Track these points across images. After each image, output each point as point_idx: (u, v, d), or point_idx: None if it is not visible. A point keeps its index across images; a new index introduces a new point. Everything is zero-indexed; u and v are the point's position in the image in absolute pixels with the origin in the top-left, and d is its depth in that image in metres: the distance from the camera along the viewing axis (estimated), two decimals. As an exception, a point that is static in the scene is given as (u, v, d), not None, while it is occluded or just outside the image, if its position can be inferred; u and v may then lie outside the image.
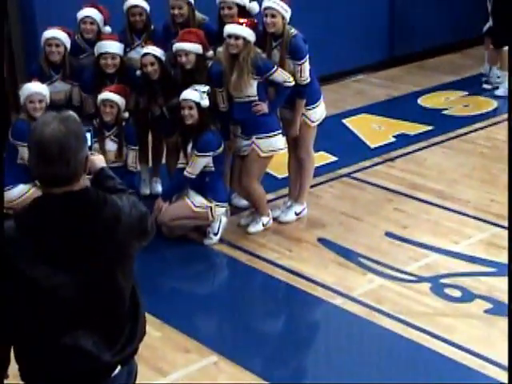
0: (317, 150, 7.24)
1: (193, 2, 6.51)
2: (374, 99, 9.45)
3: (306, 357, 5.14)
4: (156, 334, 5.02)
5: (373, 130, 8.48)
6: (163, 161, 7.03)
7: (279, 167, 6.93)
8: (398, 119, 8.73)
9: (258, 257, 6.07)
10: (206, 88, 5.96)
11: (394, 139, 8.21)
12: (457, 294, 5.44)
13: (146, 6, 6.64)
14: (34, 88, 6.06)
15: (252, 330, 5.30)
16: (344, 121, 8.70)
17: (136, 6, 6.61)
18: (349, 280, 5.68)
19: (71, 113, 2.77)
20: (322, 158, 7.65)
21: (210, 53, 6.21)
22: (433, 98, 9.40)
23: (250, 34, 5.92)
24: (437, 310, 5.30)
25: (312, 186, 6.87)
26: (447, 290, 5.48)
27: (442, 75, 10.08)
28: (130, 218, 2.78)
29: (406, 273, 5.73)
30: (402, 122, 8.64)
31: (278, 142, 6.18)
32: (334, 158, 7.73)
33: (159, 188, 7.06)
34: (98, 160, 3.06)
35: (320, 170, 7.29)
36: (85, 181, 2.77)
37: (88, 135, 2.90)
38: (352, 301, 5.42)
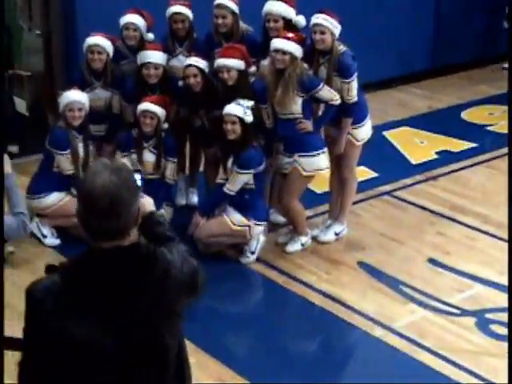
0: (357, 165, 7.07)
1: (238, 12, 6.33)
2: (416, 111, 9.24)
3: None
4: (191, 361, 4.85)
5: (415, 145, 8.27)
6: (200, 170, 6.89)
7: (319, 182, 6.74)
8: (440, 134, 8.51)
9: (295, 278, 5.91)
10: (251, 103, 5.79)
11: (436, 156, 8.00)
12: (503, 331, 5.22)
13: (189, 13, 6.47)
14: (74, 96, 5.93)
15: (284, 355, 5.12)
16: (385, 133, 8.49)
17: (179, 13, 6.44)
18: (389, 309, 5.50)
19: (123, 162, 2.61)
20: (363, 173, 7.45)
21: (253, 69, 6.03)
22: (476, 112, 9.17)
23: (297, 50, 5.73)
24: (481, 348, 5.10)
25: (352, 204, 6.68)
26: (493, 327, 5.27)
27: (487, 88, 9.83)
28: (180, 274, 2.62)
29: (449, 305, 5.54)
30: (444, 137, 8.42)
31: (321, 161, 6.00)
32: (374, 174, 7.54)
33: (195, 199, 6.92)
34: (148, 203, 2.90)
35: (361, 187, 7.07)
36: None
37: (137, 177, 2.74)
38: (393, 333, 5.23)
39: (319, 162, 5.98)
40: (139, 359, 2.56)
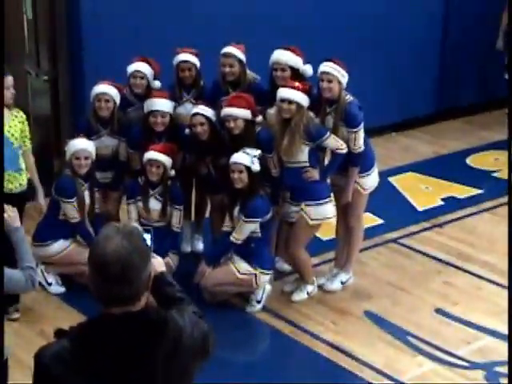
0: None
1: (244, 60, 6.35)
2: (421, 156, 9.24)
3: None
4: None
5: (420, 191, 8.26)
6: (206, 217, 6.88)
7: (325, 229, 6.69)
8: (446, 180, 8.50)
9: (301, 328, 5.86)
10: (258, 152, 5.79)
11: (442, 202, 7.98)
12: (513, 385, 5.16)
13: (196, 61, 6.50)
14: (80, 145, 5.94)
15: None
16: (390, 179, 8.48)
17: (186, 62, 6.47)
18: (398, 361, 5.44)
19: (134, 226, 2.59)
20: (368, 219, 7.41)
21: (259, 118, 6.03)
22: (482, 157, 9.17)
23: (303, 99, 5.74)
24: (491, 403, 5.05)
25: (358, 252, 6.66)
26: (503, 381, 5.20)
27: (491, 133, 9.83)
28: (191, 340, 2.59)
29: (457, 357, 5.48)
30: (450, 183, 8.41)
31: (328, 209, 5.98)
32: (380, 221, 7.52)
33: (200, 246, 6.89)
34: (158, 263, 2.87)
35: (366, 234, 7.04)
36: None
37: (147, 236, 2.71)
38: (400, 387, 5.18)
39: (326, 211, 5.97)
40: None
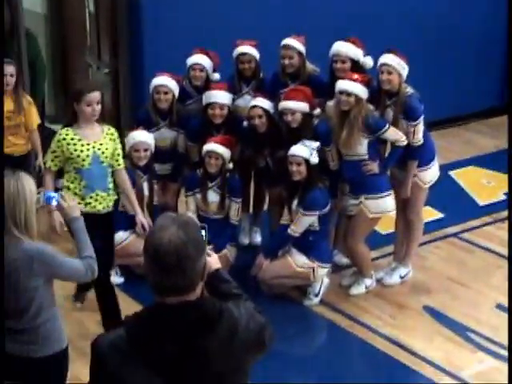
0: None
1: (304, 52, 6.32)
2: (483, 150, 9.08)
3: None
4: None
5: (482, 185, 8.13)
6: (264, 210, 6.87)
7: (384, 223, 6.61)
8: (508, 174, 8.32)
9: (359, 322, 5.83)
10: (316, 144, 5.76)
11: (504, 197, 7.83)
12: None
13: (256, 53, 6.49)
14: (140, 137, 5.98)
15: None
16: (451, 173, 8.36)
17: (245, 54, 6.46)
18: (457, 357, 5.37)
19: (190, 217, 2.59)
20: (428, 213, 7.32)
21: (317, 111, 6.00)
22: (545, 152, 8.95)
23: (362, 91, 5.69)
24: (553, 400, 4.93)
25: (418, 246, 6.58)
26: None
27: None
28: (247, 332, 2.58)
29: (518, 353, 5.38)
30: (512, 177, 8.24)
31: (388, 203, 5.92)
32: (440, 215, 7.42)
33: (258, 238, 6.89)
34: (214, 261, 2.87)
35: (426, 228, 6.96)
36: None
37: (203, 232, 2.71)
38: (461, 382, 5.10)
39: (386, 204, 5.91)
40: None
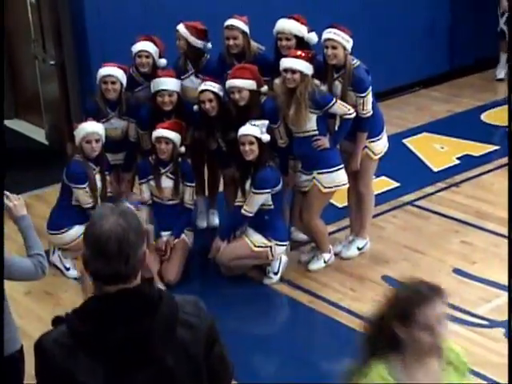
0: (378, 175, 7.03)
1: (248, 32, 6.31)
2: (435, 116, 9.16)
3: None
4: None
5: (435, 151, 8.19)
6: (220, 191, 6.88)
7: (340, 196, 6.66)
8: (461, 138, 8.42)
9: (320, 297, 5.87)
10: (266, 122, 5.77)
11: (458, 161, 7.92)
12: (534, 341, 5.14)
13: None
14: (90, 128, 5.94)
15: (312, 376, 5.03)
16: (405, 141, 8.43)
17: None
18: (417, 324, 5.42)
19: (128, 206, 2.59)
20: (384, 183, 7.41)
21: (264, 88, 6.00)
22: (496, 113, 9.05)
23: (306, 68, 5.70)
24: (511, 360, 5.02)
25: (375, 216, 6.64)
26: (523, 337, 5.19)
27: (506, 87, 9.70)
28: (189, 316, 2.59)
29: (477, 316, 5.47)
30: (465, 141, 8.33)
31: (340, 176, 5.95)
32: (395, 184, 7.48)
33: (216, 221, 6.91)
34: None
35: (382, 198, 7.06)
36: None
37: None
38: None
39: (339, 178, 5.94)
40: None
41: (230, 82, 5.92)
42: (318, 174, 5.90)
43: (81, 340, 2.47)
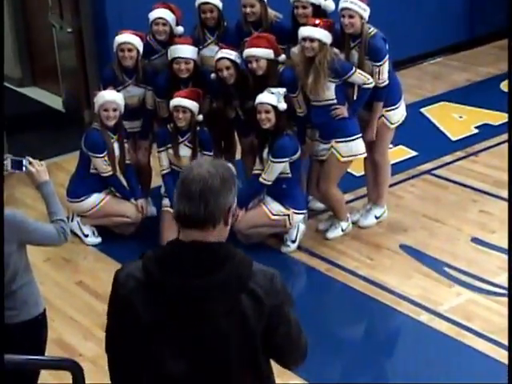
0: (396, 144, 7.02)
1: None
2: (454, 85, 9.09)
3: (384, 378, 4.94)
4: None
5: (454, 121, 8.15)
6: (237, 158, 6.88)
7: (358, 165, 6.63)
8: (479, 107, 8.36)
9: (337, 265, 5.88)
10: (283, 90, 5.75)
11: (476, 130, 7.88)
12: (552, 309, 5.14)
13: (218, 2, 6.41)
14: (109, 96, 5.92)
15: (329, 343, 5.08)
16: (423, 110, 8.38)
17: (207, 3, 6.38)
18: (434, 293, 5.45)
19: (227, 163, 2.68)
20: (402, 152, 7.38)
21: (282, 57, 5.97)
22: (516, 81, 8.97)
23: (325, 36, 5.66)
24: (530, 329, 5.03)
25: (392, 185, 6.64)
26: (541, 306, 5.19)
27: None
28: (259, 290, 2.57)
29: (495, 285, 5.47)
30: (484, 110, 8.27)
31: (358, 145, 5.93)
32: (413, 153, 7.45)
33: (234, 189, 6.89)
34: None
35: (400, 167, 7.05)
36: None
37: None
38: (439, 317, 5.19)
39: (357, 147, 5.93)
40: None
41: (248, 51, 5.90)
42: (336, 142, 5.89)
43: (147, 278, 2.56)
